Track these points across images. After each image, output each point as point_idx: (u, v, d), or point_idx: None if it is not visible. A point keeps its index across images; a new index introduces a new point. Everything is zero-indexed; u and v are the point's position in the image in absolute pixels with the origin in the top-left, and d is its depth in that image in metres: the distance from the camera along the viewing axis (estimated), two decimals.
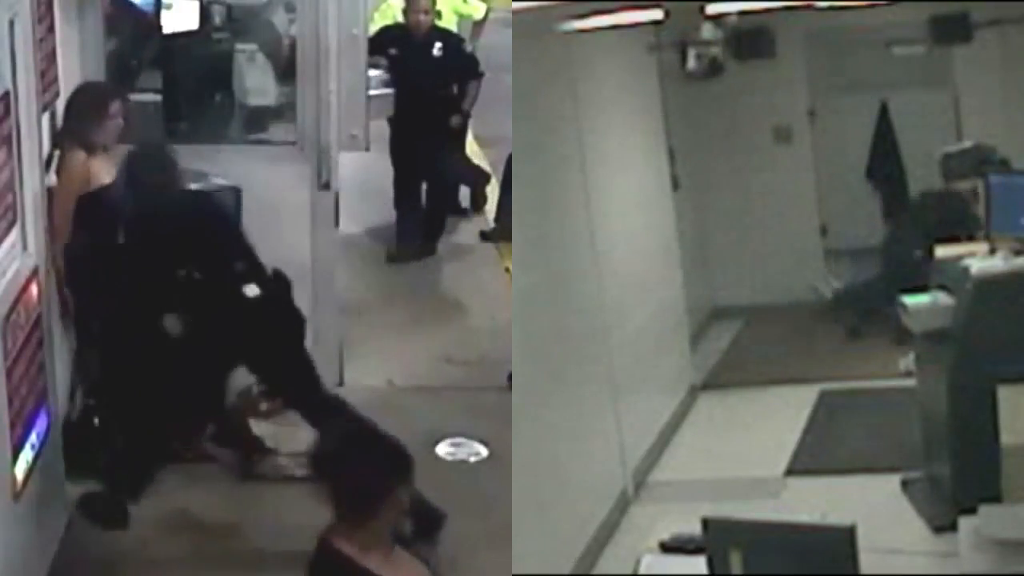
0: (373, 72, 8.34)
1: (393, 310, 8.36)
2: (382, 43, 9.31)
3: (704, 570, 4.27)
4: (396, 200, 9.58)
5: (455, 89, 9.49)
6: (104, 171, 5.99)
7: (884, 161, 10.18)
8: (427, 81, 9.27)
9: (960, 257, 6.16)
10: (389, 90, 9.36)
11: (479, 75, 9.47)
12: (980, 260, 6.06)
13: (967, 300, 5.96)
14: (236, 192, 6.72)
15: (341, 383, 7.20)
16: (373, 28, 8.87)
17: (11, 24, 4.95)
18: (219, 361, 5.86)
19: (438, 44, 9.36)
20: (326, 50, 6.79)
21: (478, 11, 10.65)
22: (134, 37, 7.23)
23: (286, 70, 7.08)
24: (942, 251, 6.36)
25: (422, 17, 9.35)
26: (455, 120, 9.53)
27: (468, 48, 9.85)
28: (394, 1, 10.05)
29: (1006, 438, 5.53)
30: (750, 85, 9.75)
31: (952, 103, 9.92)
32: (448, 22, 10.08)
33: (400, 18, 9.94)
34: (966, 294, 5.96)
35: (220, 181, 6.66)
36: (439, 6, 9.91)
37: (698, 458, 7.71)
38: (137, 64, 7.25)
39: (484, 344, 7.85)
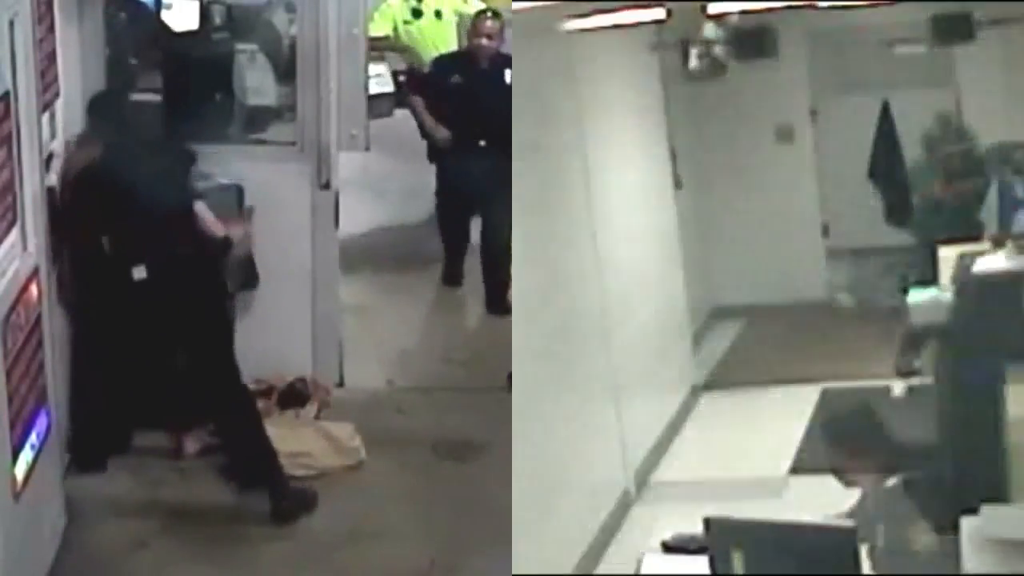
0: (374, 69, 8.23)
1: (393, 310, 8.35)
2: (440, 73, 8.61)
3: (706, 570, 4.26)
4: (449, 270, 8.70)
5: None
6: None
7: (886, 161, 10.17)
8: (498, 113, 7.77)
9: (964, 255, 6.17)
10: (389, 90, 9.33)
11: None
12: (984, 258, 6.06)
13: (969, 298, 5.95)
14: (239, 191, 6.73)
15: (341, 383, 7.19)
16: (373, 28, 8.80)
17: (11, 24, 4.94)
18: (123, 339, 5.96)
19: (508, 71, 8.03)
20: (326, 50, 6.78)
21: None
22: (137, 37, 7.22)
23: (286, 70, 7.06)
24: (946, 250, 6.36)
25: (484, 42, 8.36)
26: None
27: None
28: (393, 1, 10.04)
29: (1009, 437, 5.52)
30: (752, 85, 9.74)
31: (954, 103, 9.92)
32: (448, 22, 10.05)
33: (399, 20, 9.93)
34: (968, 292, 5.95)
35: (223, 180, 6.67)
36: (439, 5, 9.90)
37: (700, 458, 7.71)
38: (138, 64, 7.24)
39: (484, 344, 7.84)
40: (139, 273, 5.82)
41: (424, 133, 8.72)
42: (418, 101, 8.68)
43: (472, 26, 8.55)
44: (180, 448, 6.42)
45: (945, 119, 8.43)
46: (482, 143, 8.15)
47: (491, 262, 8.22)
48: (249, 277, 6.77)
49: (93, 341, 6.12)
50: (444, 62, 8.80)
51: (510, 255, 7.87)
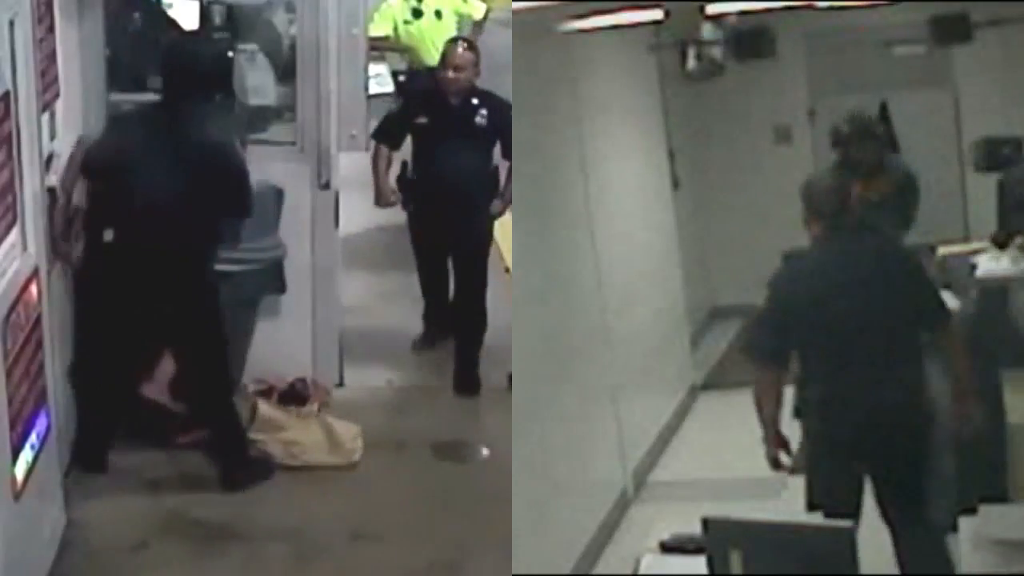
0: (374, 69, 8.19)
1: (393, 310, 8.36)
2: (404, 115, 7.51)
3: (704, 570, 4.27)
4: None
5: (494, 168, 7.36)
6: None
7: None
8: (468, 158, 7.14)
9: (965, 255, 6.17)
10: (389, 90, 9.32)
11: None
12: (987, 260, 6.07)
13: (972, 300, 5.96)
14: (278, 193, 6.75)
15: (341, 383, 7.20)
16: (373, 28, 8.79)
17: (11, 24, 4.95)
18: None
19: (482, 111, 7.17)
20: (326, 50, 6.79)
21: (478, 11, 10.65)
22: (151, 37, 7.21)
23: (286, 70, 7.07)
24: (944, 249, 6.36)
25: (451, 74, 7.19)
26: (495, 206, 7.27)
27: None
28: (393, 1, 10.05)
29: (1010, 437, 5.53)
30: (750, 85, 9.76)
31: (952, 103, 9.93)
32: (448, 22, 10.06)
33: (400, 20, 9.93)
34: (971, 294, 5.96)
35: (266, 181, 6.61)
36: (439, 5, 9.91)
37: (698, 458, 7.72)
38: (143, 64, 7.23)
39: (484, 344, 7.84)
40: (107, 236, 5.87)
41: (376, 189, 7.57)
42: (383, 153, 7.43)
43: (442, 56, 7.36)
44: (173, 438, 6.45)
45: (859, 117, 7.94)
46: (452, 188, 7.14)
47: (464, 330, 7.40)
48: (278, 283, 6.79)
49: (93, 319, 6.12)
50: (411, 100, 7.91)
51: (483, 323, 7.27)
